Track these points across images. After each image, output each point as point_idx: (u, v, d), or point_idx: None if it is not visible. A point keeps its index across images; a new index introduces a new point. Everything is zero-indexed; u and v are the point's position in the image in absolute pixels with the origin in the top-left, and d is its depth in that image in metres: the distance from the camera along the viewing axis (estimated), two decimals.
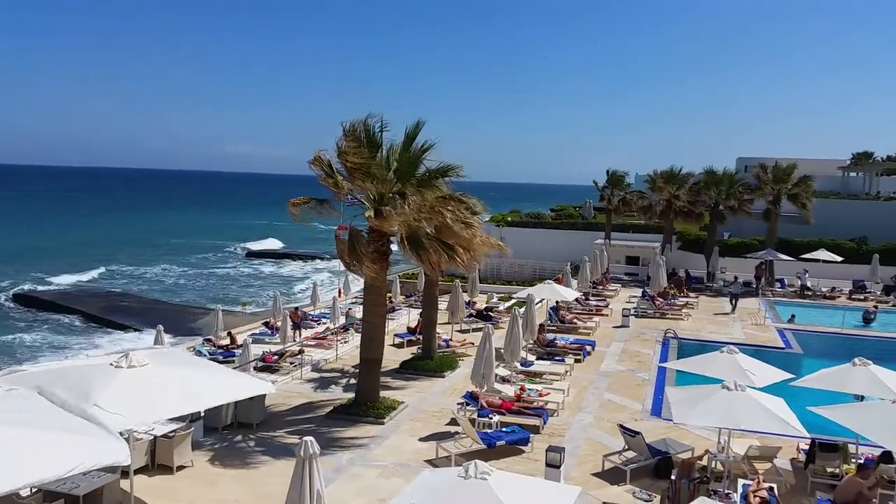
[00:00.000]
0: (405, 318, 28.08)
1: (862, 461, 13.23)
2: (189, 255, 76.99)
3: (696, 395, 12.45)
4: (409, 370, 20.29)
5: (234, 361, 19.68)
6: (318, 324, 26.78)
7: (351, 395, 17.44)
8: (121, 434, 8.31)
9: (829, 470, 13.52)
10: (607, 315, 29.60)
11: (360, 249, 15.51)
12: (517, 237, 43.05)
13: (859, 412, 12.04)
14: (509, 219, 51.13)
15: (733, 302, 30.50)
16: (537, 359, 21.49)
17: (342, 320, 25.86)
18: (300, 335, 24.29)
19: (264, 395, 15.79)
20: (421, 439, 15.17)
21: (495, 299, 32.08)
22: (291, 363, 20.75)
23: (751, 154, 65.60)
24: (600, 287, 35.25)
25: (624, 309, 28.74)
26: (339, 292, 31.40)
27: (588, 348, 23.00)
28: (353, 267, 15.83)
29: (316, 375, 20.17)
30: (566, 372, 20.25)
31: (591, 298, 31.99)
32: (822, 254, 37.75)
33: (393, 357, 21.35)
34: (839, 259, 37.88)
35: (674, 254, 40.88)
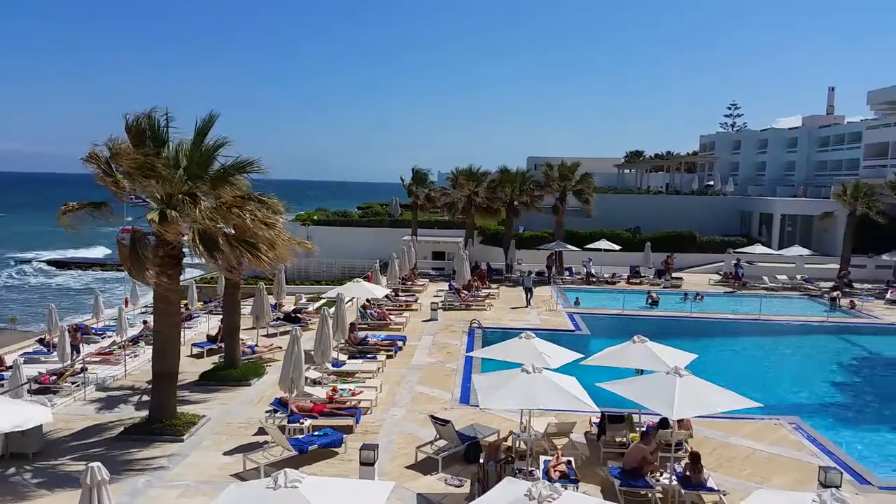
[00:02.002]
0: (204, 325, 26.45)
1: (644, 429, 14.64)
2: None
3: (498, 380, 13.00)
4: (210, 381, 19.08)
5: (2, 386, 17.23)
6: (103, 337, 24.34)
7: (144, 413, 16.02)
8: None
9: (617, 440, 14.80)
10: (417, 310, 30.16)
11: (145, 254, 14.22)
12: (325, 236, 42.46)
13: (639, 385, 13.24)
14: (315, 217, 50.29)
15: (528, 295, 32.01)
16: (349, 358, 21.29)
17: (130, 332, 23.71)
18: (81, 352, 21.85)
19: None
20: (226, 453, 14.32)
21: (304, 300, 31.34)
22: (73, 383, 18.61)
23: (540, 153, 70.51)
24: (409, 283, 35.83)
25: (432, 303, 29.45)
26: (126, 302, 28.78)
27: (399, 343, 23.24)
28: (137, 274, 14.45)
29: (102, 395, 18.26)
30: (378, 369, 20.27)
31: (400, 294, 32.40)
32: (604, 243, 41.66)
33: (192, 368, 20.02)
34: (618, 248, 41.95)
35: (476, 248, 42.70)
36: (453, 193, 41.57)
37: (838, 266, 39.61)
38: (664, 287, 37.34)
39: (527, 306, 31.15)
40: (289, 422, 15.12)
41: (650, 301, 32.86)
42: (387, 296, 29.01)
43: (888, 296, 35.18)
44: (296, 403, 15.80)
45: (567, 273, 40.41)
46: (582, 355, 15.97)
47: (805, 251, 41.07)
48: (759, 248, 41.78)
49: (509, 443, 14.26)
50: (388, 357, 21.88)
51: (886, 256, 38.79)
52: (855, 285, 37.84)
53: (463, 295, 31.82)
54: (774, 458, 14.63)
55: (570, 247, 40.41)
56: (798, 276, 40.32)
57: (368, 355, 21.63)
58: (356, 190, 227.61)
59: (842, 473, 12.54)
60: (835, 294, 34.24)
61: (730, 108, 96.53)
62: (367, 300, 27.33)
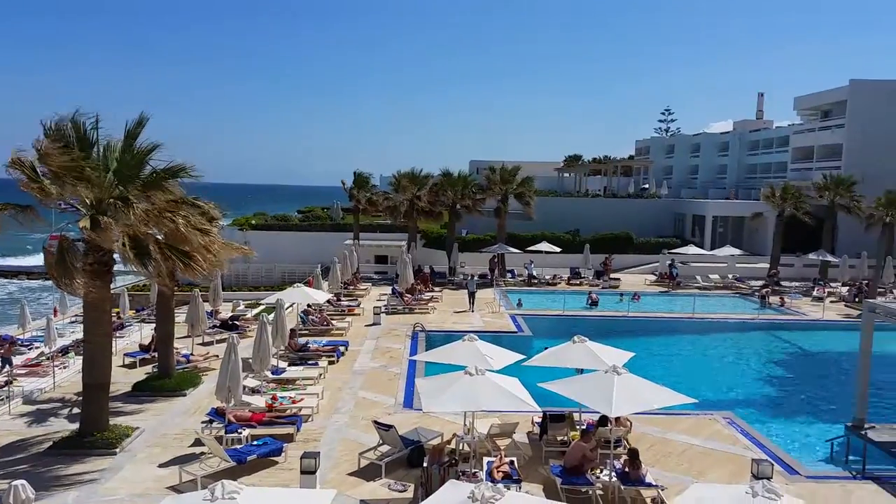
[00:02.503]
0: (137, 334, 25.59)
1: (584, 427, 14.88)
2: None
3: (442, 383, 13.00)
4: (144, 392, 18.45)
5: None
6: (30, 349, 23.26)
7: (75, 426, 15.36)
8: None
9: (559, 438, 14.99)
10: (359, 314, 29.91)
11: (73, 263, 13.63)
12: (263, 241, 41.72)
13: (579, 384, 13.45)
14: (254, 222, 49.38)
15: (471, 300, 31.68)
16: (289, 365, 20.93)
17: (60, 342, 22.73)
18: (12, 364, 20.83)
19: None
20: (161, 465, 13.86)
21: (242, 307, 30.67)
22: None
23: (482, 157, 71.01)
24: (351, 287, 35.54)
25: (375, 307, 29.25)
26: (55, 311, 27.58)
27: (342, 349, 22.98)
28: (64, 284, 13.85)
29: (29, 408, 17.43)
30: (320, 375, 19.99)
31: (342, 299, 32.08)
32: (545, 246, 42.22)
33: (124, 379, 19.32)
34: (558, 250, 42.57)
35: (419, 251, 42.67)
36: (396, 197, 41.45)
37: (768, 265, 41.19)
38: (603, 287, 38.09)
39: (471, 310, 31.14)
40: (226, 432, 14.75)
41: (590, 302, 33.45)
42: (328, 301, 28.67)
43: (815, 293, 36.77)
44: (233, 413, 15.42)
45: (509, 275, 40.79)
46: (524, 356, 16.13)
47: (736, 251, 42.54)
48: (692, 249, 43.07)
49: (453, 445, 14.26)
50: (331, 363, 21.61)
51: (813, 255, 40.55)
52: (783, 283, 39.43)
53: (406, 299, 31.74)
54: (710, 452, 15.07)
55: (512, 249, 40.81)
56: (730, 276, 41.72)
57: (309, 362, 21.32)
58: (295, 194, 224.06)
59: (773, 465, 13.01)
60: (765, 292, 35.60)
61: (664, 114, 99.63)
62: (308, 305, 26.95)
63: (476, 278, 33.81)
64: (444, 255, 41.47)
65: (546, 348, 23.21)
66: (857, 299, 33.81)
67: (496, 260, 40.74)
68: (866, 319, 16.31)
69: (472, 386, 12.47)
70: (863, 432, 15.40)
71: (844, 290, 37.18)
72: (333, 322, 27.24)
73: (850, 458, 14.82)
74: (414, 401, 17.82)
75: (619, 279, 40.54)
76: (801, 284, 39.90)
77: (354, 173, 44.75)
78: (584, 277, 40.66)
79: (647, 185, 64.88)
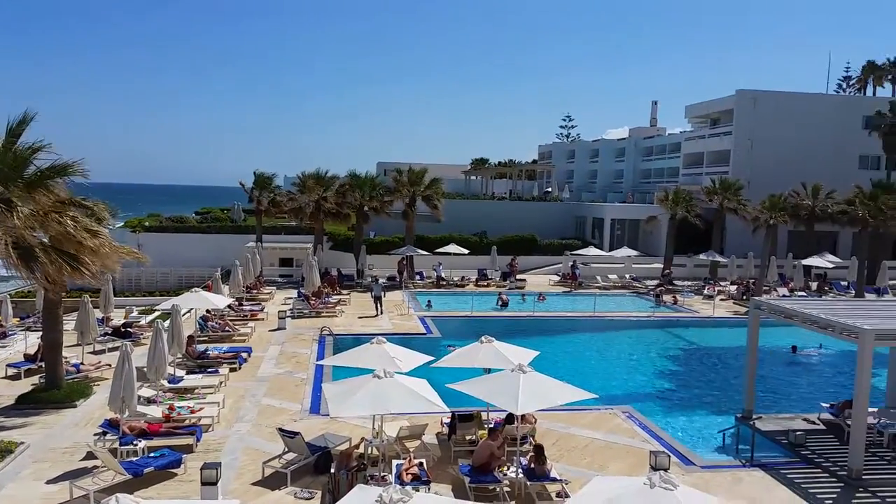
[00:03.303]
0: (22, 343, 23.85)
1: (492, 425, 15.06)
2: None
3: (349, 387, 12.81)
4: (29, 404, 17.19)
5: None
6: None
7: None
8: None
9: (467, 438, 15.11)
10: (263, 319, 29.08)
11: None
12: (158, 243, 40.01)
13: (487, 383, 13.62)
14: (147, 224, 47.15)
15: (378, 305, 31.12)
16: (188, 373, 20.08)
17: None
18: None
19: None
20: (49, 481, 12.96)
21: (135, 313, 29.15)
22: None
23: (389, 158, 70.93)
24: (254, 291, 34.52)
25: (280, 311, 28.54)
26: None
27: (244, 355, 22.28)
28: None
29: None
30: (221, 383, 19.29)
31: (244, 304, 31.10)
32: (453, 247, 42.58)
33: (7, 391, 18.04)
34: (466, 251, 43.03)
35: (326, 254, 42.02)
36: (300, 198, 40.63)
37: (662, 265, 43.22)
38: (509, 288, 38.80)
39: (377, 315, 30.60)
40: (121, 444, 13.99)
41: (500, 303, 34.00)
42: (230, 305, 27.74)
43: (705, 292, 38.87)
44: (128, 424, 14.65)
45: (418, 277, 40.84)
46: (433, 358, 16.16)
47: (633, 252, 44.37)
48: (592, 251, 44.62)
49: (361, 450, 14.09)
50: (232, 370, 20.90)
51: (703, 256, 42.88)
52: (676, 283, 41.47)
53: (312, 302, 31.16)
54: (611, 445, 15.60)
55: (420, 251, 40.91)
56: (627, 276, 43.46)
57: (209, 369, 20.53)
58: (191, 194, 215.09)
59: (669, 457, 13.60)
60: (659, 291, 37.33)
61: (565, 120, 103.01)
62: (207, 311, 25.96)
63: (381, 282, 33.55)
64: (352, 257, 41.04)
65: (450, 346, 23.54)
66: (744, 297, 35.98)
67: (405, 262, 40.71)
68: (753, 316, 17.36)
69: (380, 389, 12.37)
70: (751, 423, 16.37)
71: (733, 288, 39.49)
72: (235, 327, 26.37)
73: (740, 447, 15.70)
74: (321, 406, 17.50)
75: (524, 280, 41.40)
76: (692, 283, 42.09)
77: (255, 173, 43.52)
78: (491, 279, 41.26)
79: (550, 189, 66.68)
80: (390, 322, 29.42)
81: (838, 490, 13.52)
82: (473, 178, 75.55)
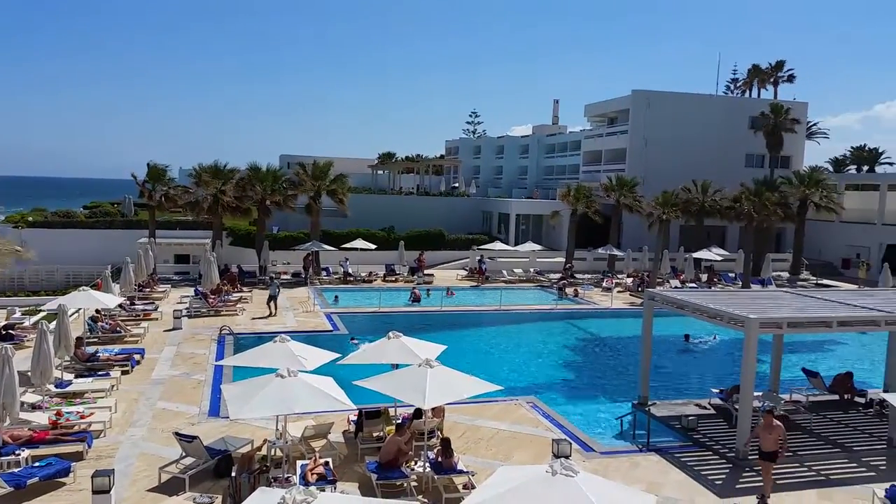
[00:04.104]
0: None
1: (400, 421, 15.00)
2: None
3: (251, 387, 12.41)
4: None
5: None
6: None
7: None
8: None
9: (374, 434, 14.98)
10: (157, 319, 27.76)
11: None
12: (44, 240, 37.51)
13: (394, 379, 13.56)
14: (31, 219, 44.09)
15: (271, 304, 29.65)
16: (76, 377, 18.90)
17: None
18: None
19: None
20: None
21: (18, 314, 27.14)
22: None
23: (293, 152, 69.40)
24: (147, 289, 32.92)
25: (175, 310, 27.33)
26: None
27: (137, 357, 21.22)
28: None
29: None
30: (112, 387, 18.27)
31: (137, 303, 29.59)
32: (360, 243, 42.19)
33: None
34: (373, 247, 42.74)
35: (225, 249, 40.63)
36: (197, 192, 39.05)
37: (564, 259, 44.49)
38: (417, 283, 38.80)
39: (270, 315, 29.02)
40: (1, 454, 12.99)
41: (413, 298, 33.94)
42: (121, 305, 26.31)
43: (604, 284, 40.30)
44: (9, 433, 13.65)
45: (324, 273, 40.19)
46: (340, 355, 15.91)
47: (537, 247, 45.44)
48: (498, 245, 45.32)
49: (264, 452, 13.72)
50: (125, 373, 19.85)
51: (602, 250, 44.47)
52: (578, 276, 42.77)
53: (211, 300, 30.02)
54: (516, 435, 15.88)
55: (326, 247, 40.25)
56: (531, 270, 44.43)
57: (100, 373, 19.40)
58: (79, 187, 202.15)
59: (571, 444, 14.00)
60: (561, 284, 38.40)
61: (471, 116, 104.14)
62: (97, 311, 24.54)
63: (277, 280, 32.40)
64: (254, 253, 39.88)
65: (353, 340, 23.35)
66: (639, 289, 37.54)
67: (310, 258, 39.94)
68: (647, 307, 18.13)
69: (283, 388, 12.03)
70: (647, 409, 17.10)
71: (629, 280, 41.17)
72: (127, 328, 25.05)
73: (637, 432, 16.35)
74: (221, 408, 16.88)
75: (432, 275, 41.54)
76: (592, 276, 43.55)
77: (148, 165, 41.45)
78: (399, 274, 41.16)
79: (457, 184, 67.24)
80: (295, 319, 28.78)
81: (727, 470, 14.33)
82: (380, 172, 74.97)
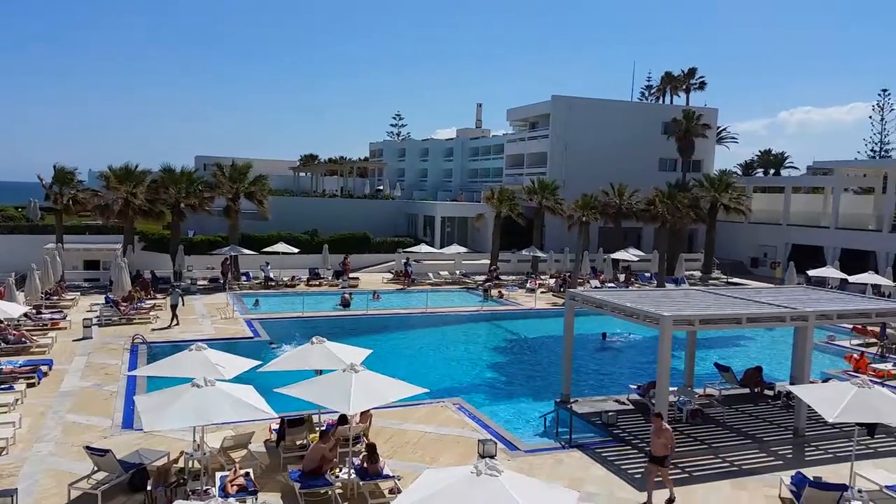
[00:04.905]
0: None
1: (324, 428, 14.73)
2: None
3: (166, 398, 11.90)
4: None
5: None
6: None
7: None
8: None
9: (297, 443, 14.66)
10: (66, 328, 26.36)
11: None
12: None
13: (318, 385, 13.28)
14: None
15: (173, 314, 28.12)
16: None
17: None
18: None
19: None
20: None
21: None
22: None
23: (209, 153, 67.35)
24: (55, 297, 31.25)
25: (85, 319, 26.04)
26: None
27: (44, 368, 20.10)
28: None
29: None
30: (16, 400, 17.23)
31: (44, 311, 28.03)
32: (281, 246, 41.31)
33: None
34: (296, 250, 41.95)
35: (137, 255, 39.04)
36: (107, 195, 37.34)
37: (489, 261, 44.96)
38: (342, 287, 38.36)
39: (173, 324, 27.64)
40: None
41: (342, 303, 33.44)
42: (25, 314, 24.83)
43: (528, 285, 40.97)
44: None
45: (244, 278, 39.15)
46: (260, 362, 15.47)
47: (462, 249, 45.73)
48: (424, 248, 45.37)
49: (181, 464, 13.19)
50: (30, 385, 18.75)
51: (525, 252, 45.20)
52: (502, 277, 43.30)
53: (123, 308, 28.73)
54: (442, 437, 15.89)
55: (246, 251, 39.22)
56: (457, 272, 44.69)
57: (3, 386, 18.23)
58: None
59: (496, 444, 14.11)
60: (487, 286, 38.80)
61: (395, 119, 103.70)
62: (0, 320, 23.08)
63: (179, 289, 31.17)
64: (169, 258, 38.44)
65: (272, 344, 22.85)
66: (561, 289, 38.34)
67: (229, 262, 38.84)
68: (568, 306, 18.49)
69: (200, 398, 11.58)
70: (569, 406, 17.43)
71: (552, 281, 42.00)
72: (33, 338, 23.67)
73: (560, 430, 16.64)
74: (134, 420, 16.16)
75: (358, 278, 41.17)
76: (516, 278, 44.19)
77: (55, 167, 39.39)
78: (323, 278, 40.57)
79: (381, 187, 66.95)
80: (213, 326, 27.89)
81: (646, 464, 14.74)
82: (303, 174, 73.81)
